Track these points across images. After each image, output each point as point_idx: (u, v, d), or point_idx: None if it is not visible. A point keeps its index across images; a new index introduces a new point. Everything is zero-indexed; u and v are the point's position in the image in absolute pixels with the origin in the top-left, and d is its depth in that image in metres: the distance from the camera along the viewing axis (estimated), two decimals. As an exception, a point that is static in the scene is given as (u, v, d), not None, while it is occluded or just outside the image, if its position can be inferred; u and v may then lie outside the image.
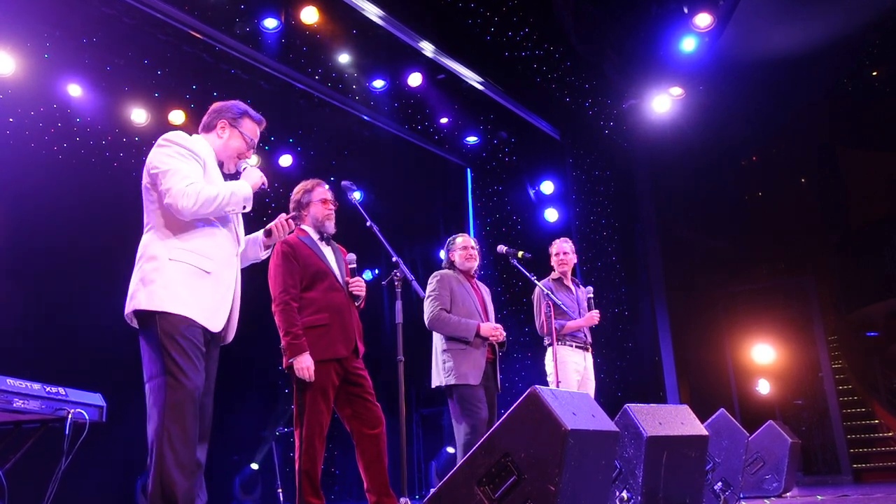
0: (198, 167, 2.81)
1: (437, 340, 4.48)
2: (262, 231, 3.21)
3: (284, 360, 3.61)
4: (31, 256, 5.79)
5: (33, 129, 6.08)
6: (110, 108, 6.52)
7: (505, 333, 4.48)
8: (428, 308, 4.44)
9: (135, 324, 2.75)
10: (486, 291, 4.73)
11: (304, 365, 3.48)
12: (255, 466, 7.58)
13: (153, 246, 2.74)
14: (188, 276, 2.70)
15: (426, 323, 4.45)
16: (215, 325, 2.78)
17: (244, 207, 2.87)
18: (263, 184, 2.95)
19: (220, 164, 2.98)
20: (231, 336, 2.93)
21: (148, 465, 2.56)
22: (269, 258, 3.72)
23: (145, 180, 2.81)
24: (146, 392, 2.64)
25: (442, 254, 4.81)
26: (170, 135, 2.83)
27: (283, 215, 3.17)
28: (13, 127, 5.91)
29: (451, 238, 4.74)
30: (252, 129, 3.05)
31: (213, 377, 2.86)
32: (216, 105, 3.07)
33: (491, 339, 4.38)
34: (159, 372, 2.59)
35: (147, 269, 2.70)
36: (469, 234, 6.78)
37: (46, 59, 5.96)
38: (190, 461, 2.58)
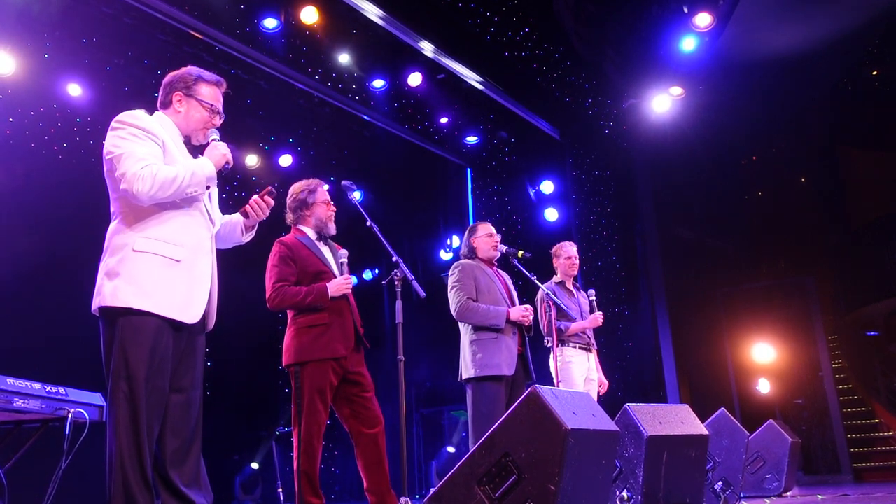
0: (155, 147, 2.57)
1: (465, 332, 4.35)
2: (238, 213, 2.95)
3: (284, 359, 3.61)
4: (31, 255, 5.78)
5: (33, 129, 6.08)
6: (110, 108, 6.47)
7: (533, 315, 4.37)
8: (454, 299, 4.30)
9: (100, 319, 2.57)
10: (508, 279, 4.63)
11: (336, 285, 3.57)
12: (255, 466, 7.58)
13: (118, 236, 2.55)
14: (155, 268, 2.50)
15: (454, 314, 4.31)
16: (190, 317, 2.57)
17: (207, 188, 2.64)
18: (228, 162, 2.69)
19: (188, 140, 2.75)
20: (212, 324, 2.73)
21: (106, 478, 2.40)
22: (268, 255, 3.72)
23: (106, 167, 2.60)
24: (108, 390, 2.50)
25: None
26: (123, 115, 2.61)
27: (256, 196, 2.87)
28: (13, 127, 5.91)
29: (470, 227, 4.68)
30: (211, 93, 2.79)
31: (199, 368, 2.67)
32: (168, 77, 2.80)
33: (521, 320, 4.26)
34: (117, 376, 2.45)
35: (112, 263, 2.51)
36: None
37: (46, 59, 5.96)
38: (145, 480, 2.41)
